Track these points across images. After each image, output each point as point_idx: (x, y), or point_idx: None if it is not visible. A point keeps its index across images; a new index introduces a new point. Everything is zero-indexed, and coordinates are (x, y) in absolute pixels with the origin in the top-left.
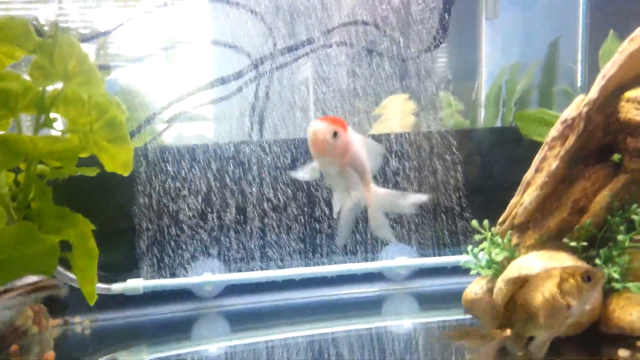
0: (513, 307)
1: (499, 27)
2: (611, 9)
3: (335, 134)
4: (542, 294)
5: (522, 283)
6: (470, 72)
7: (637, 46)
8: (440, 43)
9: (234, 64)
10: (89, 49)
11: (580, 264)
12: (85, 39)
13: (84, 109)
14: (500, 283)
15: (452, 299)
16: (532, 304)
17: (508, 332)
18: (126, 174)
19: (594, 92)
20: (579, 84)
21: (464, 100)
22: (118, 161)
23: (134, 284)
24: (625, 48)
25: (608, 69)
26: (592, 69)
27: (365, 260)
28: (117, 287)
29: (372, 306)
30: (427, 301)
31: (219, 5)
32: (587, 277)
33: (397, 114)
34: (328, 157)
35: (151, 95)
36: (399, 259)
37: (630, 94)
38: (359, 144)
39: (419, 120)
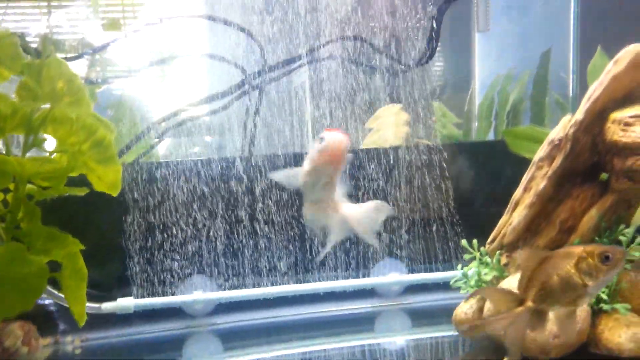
0: (532, 284)
1: (492, 38)
2: (602, 19)
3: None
4: (560, 272)
5: (540, 262)
6: (464, 83)
7: (622, 68)
8: (430, 58)
9: (231, 78)
10: (83, 62)
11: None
12: (80, 54)
13: (73, 129)
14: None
15: (445, 314)
16: (549, 282)
17: (529, 304)
18: (115, 194)
19: (580, 114)
20: (570, 94)
21: (456, 112)
22: (106, 181)
23: (125, 303)
24: (611, 69)
25: (594, 90)
26: (584, 79)
27: (357, 276)
28: (107, 306)
29: (364, 323)
30: (420, 317)
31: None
32: (606, 257)
33: (390, 125)
34: (339, 168)
35: (147, 106)
36: (391, 275)
37: (616, 115)
38: None
39: (413, 131)
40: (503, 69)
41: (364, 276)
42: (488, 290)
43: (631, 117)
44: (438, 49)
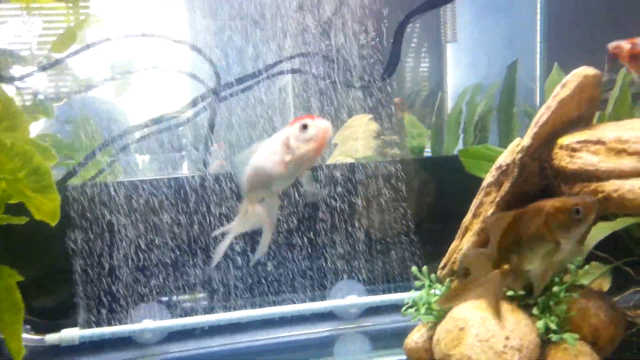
0: (507, 244)
1: (464, 48)
2: (568, 27)
3: None
4: (531, 232)
5: (509, 223)
6: (436, 94)
7: (569, 92)
8: (392, 73)
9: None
10: (42, 76)
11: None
12: (43, 67)
13: (9, 156)
14: (440, 333)
15: (404, 337)
16: (521, 242)
17: (506, 267)
18: (53, 223)
19: (527, 139)
20: (538, 104)
21: (428, 122)
22: (44, 211)
23: (70, 334)
24: (558, 93)
25: (541, 115)
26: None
27: (315, 299)
28: (51, 337)
29: (323, 347)
30: (380, 339)
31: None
32: (576, 211)
33: (360, 135)
34: (318, 158)
35: (108, 120)
36: (349, 297)
37: (563, 140)
38: None
39: (383, 142)
40: (475, 79)
41: (321, 299)
42: (468, 257)
43: (578, 142)
44: (410, 59)
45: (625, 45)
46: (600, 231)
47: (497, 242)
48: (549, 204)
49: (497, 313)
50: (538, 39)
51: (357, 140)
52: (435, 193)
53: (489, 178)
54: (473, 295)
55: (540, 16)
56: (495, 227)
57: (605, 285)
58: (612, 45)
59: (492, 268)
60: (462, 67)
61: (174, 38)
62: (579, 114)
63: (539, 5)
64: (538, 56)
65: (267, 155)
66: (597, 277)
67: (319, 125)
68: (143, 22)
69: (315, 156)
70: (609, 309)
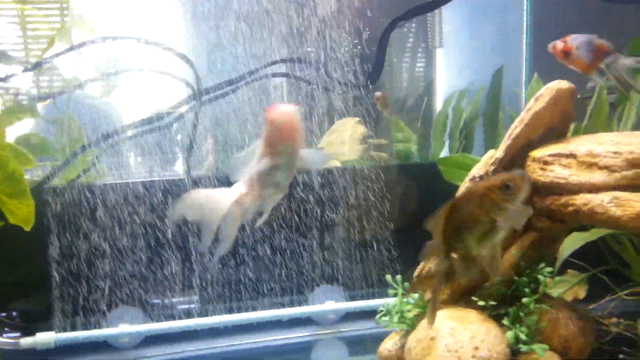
0: (450, 234)
1: (454, 53)
2: (554, 32)
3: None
4: (467, 216)
5: (447, 214)
6: (427, 97)
7: (543, 105)
8: (377, 78)
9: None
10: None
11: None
12: (28, 68)
13: None
14: (411, 342)
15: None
16: (461, 228)
17: (455, 256)
18: (27, 228)
19: (500, 151)
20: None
21: (414, 128)
22: (19, 215)
23: (45, 338)
24: (532, 107)
25: (515, 127)
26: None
27: (293, 304)
28: (26, 341)
29: (300, 353)
30: (357, 345)
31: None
32: (506, 187)
33: (347, 139)
34: (297, 144)
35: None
36: (327, 303)
37: (536, 153)
38: None
39: (369, 146)
40: (465, 83)
41: (300, 304)
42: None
43: (550, 155)
44: (400, 64)
45: (559, 43)
46: (574, 241)
47: (442, 233)
48: (480, 185)
49: (434, 304)
50: (524, 45)
51: (343, 143)
52: (416, 199)
53: (462, 189)
54: (428, 284)
55: (527, 22)
56: (436, 222)
57: (582, 293)
58: (550, 45)
59: (443, 258)
60: (451, 71)
61: (151, 40)
62: (553, 126)
63: (525, 12)
64: (524, 62)
65: (257, 157)
66: (573, 285)
67: (281, 111)
68: (130, 21)
69: (292, 140)
70: (580, 320)
